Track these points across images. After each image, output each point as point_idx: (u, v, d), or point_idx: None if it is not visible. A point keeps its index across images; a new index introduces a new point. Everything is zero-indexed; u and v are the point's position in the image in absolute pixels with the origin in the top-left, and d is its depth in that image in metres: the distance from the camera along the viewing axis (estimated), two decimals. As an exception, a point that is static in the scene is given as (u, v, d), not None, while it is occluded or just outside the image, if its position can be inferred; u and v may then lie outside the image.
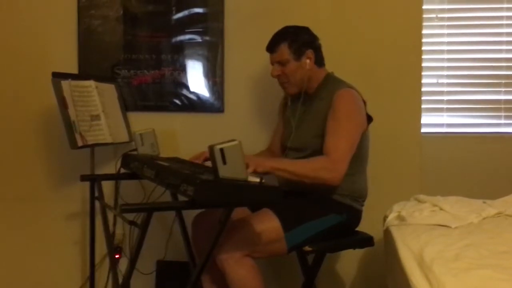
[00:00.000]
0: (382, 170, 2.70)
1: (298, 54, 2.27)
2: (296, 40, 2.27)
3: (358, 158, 2.23)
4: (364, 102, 2.29)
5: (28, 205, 2.87)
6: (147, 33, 2.83)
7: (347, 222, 2.23)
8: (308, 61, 2.28)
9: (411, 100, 2.78)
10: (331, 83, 2.31)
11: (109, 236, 2.41)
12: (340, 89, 2.22)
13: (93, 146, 2.56)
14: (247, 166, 1.88)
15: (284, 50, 2.27)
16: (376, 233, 2.32)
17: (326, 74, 2.35)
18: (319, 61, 2.34)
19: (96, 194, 2.46)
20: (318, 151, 2.18)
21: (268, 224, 2.05)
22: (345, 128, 2.15)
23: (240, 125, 2.81)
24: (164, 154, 2.46)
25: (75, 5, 2.82)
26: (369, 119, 2.30)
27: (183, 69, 2.83)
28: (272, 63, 2.33)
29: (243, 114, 2.83)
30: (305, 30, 2.32)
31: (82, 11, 2.82)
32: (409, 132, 2.78)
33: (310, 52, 2.28)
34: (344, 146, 2.12)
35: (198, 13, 2.82)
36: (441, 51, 2.88)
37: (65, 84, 2.46)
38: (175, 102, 2.84)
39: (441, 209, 2.21)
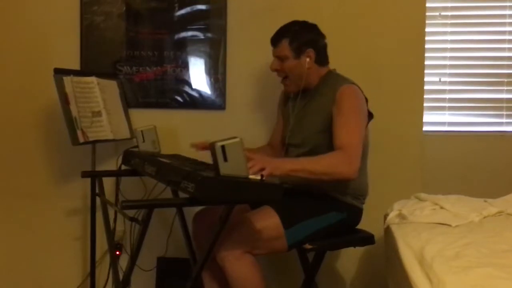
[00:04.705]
0: (383, 168, 2.70)
1: (297, 52, 2.25)
2: (297, 37, 2.24)
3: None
4: (366, 99, 2.28)
5: (29, 201, 2.87)
6: (150, 30, 2.83)
7: (347, 220, 2.23)
8: (307, 59, 2.25)
9: (413, 98, 2.78)
10: (333, 79, 2.29)
11: (110, 233, 2.42)
12: (342, 85, 2.20)
13: (94, 142, 2.56)
14: (263, 169, 1.83)
15: (285, 46, 2.25)
16: (377, 231, 2.31)
17: (327, 71, 2.33)
18: (322, 60, 2.30)
19: (97, 190, 2.46)
20: (319, 146, 2.18)
21: (268, 221, 2.05)
22: (354, 122, 2.12)
23: (242, 122, 2.81)
24: (165, 151, 2.45)
25: (77, 1, 2.82)
26: (370, 116, 2.29)
27: (185, 66, 2.83)
28: (274, 56, 2.32)
29: (245, 111, 2.83)
30: (310, 28, 2.29)
31: (85, 7, 2.82)
32: (411, 130, 2.78)
33: (310, 51, 2.26)
34: (356, 140, 2.09)
35: (200, 10, 2.81)
36: (444, 49, 2.87)
37: (67, 80, 2.47)
38: (177, 99, 2.84)
39: (442, 207, 2.20)
